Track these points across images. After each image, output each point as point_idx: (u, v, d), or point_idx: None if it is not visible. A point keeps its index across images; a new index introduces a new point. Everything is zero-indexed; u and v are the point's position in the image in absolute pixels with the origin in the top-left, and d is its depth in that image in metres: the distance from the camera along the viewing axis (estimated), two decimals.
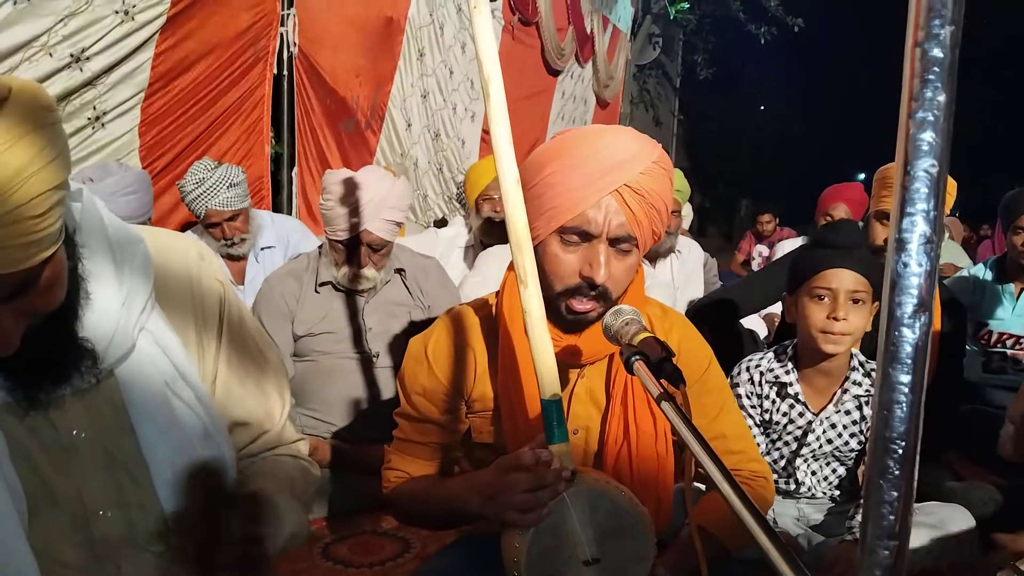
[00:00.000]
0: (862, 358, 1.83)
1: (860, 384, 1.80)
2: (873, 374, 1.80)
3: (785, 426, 1.84)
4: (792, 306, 1.83)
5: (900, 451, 0.48)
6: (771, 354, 1.89)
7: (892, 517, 0.49)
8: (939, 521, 1.77)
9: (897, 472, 0.48)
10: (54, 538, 0.88)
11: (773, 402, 1.85)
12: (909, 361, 0.48)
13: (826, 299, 1.73)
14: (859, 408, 1.81)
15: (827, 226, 1.89)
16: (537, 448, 1.06)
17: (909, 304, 0.48)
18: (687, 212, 4.25)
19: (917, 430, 0.49)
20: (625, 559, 1.09)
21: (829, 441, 1.83)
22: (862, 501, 1.68)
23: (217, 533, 0.87)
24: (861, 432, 1.81)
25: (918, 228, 0.47)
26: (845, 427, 1.81)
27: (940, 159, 0.47)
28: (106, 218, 0.92)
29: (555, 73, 6.66)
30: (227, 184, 2.80)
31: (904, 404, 0.48)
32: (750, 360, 1.90)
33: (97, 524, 0.91)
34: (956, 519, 1.78)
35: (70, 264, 0.84)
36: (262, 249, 3.08)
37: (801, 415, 1.83)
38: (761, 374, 1.86)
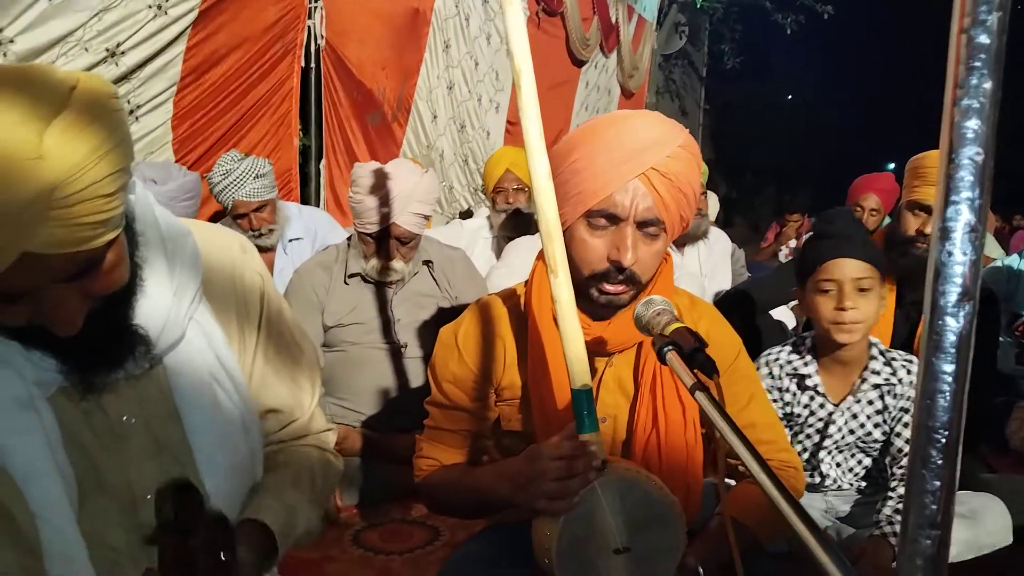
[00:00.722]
0: (882, 347, 1.81)
1: (879, 373, 1.78)
2: (894, 363, 1.78)
3: (806, 419, 1.83)
4: (802, 301, 1.83)
5: (943, 440, 0.48)
6: (789, 347, 1.88)
7: (934, 506, 0.49)
8: (972, 511, 1.75)
9: (940, 461, 0.48)
10: (103, 522, 0.90)
11: (793, 395, 1.84)
12: (953, 350, 0.48)
13: (832, 291, 1.72)
14: (881, 398, 1.79)
15: (823, 217, 1.88)
16: (567, 437, 1.07)
17: (953, 293, 0.48)
18: (713, 202, 4.21)
19: (960, 420, 0.49)
20: (655, 549, 1.10)
21: (851, 431, 1.81)
22: (891, 491, 1.64)
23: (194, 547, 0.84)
24: (884, 422, 1.79)
25: (962, 217, 0.47)
26: (868, 417, 1.80)
27: (985, 147, 0.47)
28: (157, 211, 0.95)
29: (579, 63, 6.63)
30: (253, 175, 2.83)
31: (947, 393, 0.48)
32: (768, 354, 1.89)
33: (145, 509, 0.93)
34: (991, 509, 1.76)
35: (128, 250, 0.86)
36: (290, 241, 3.12)
37: (822, 406, 1.82)
38: (780, 367, 1.85)
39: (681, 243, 3.42)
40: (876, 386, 1.79)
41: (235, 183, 2.81)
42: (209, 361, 0.98)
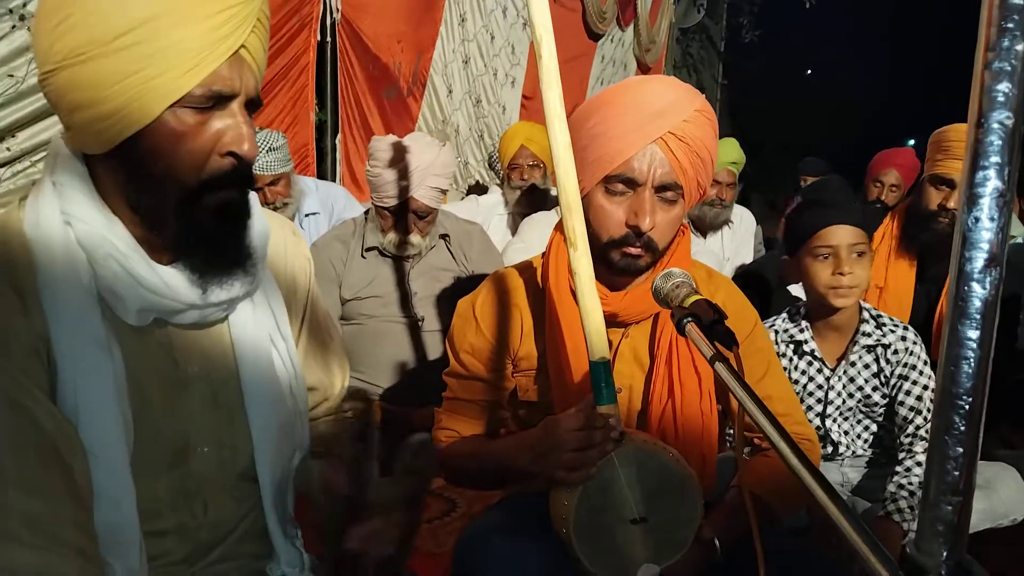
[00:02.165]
0: (874, 311, 1.84)
1: (870, 335, 1.80)
2: (884, 327, 1.80)
3: (805, 385, 1.86)
4: (793, 268, 1.85)
5: (966, 407, 0.48)
6: (785, 314, 1.91)
7: (956, 473, 0.49)
8: (986, 481, 1.76)
9: (963, 428, 0.48)
10: (152, 471, 0.92)
11: (791, 360, 1.87)
12: (978, 316, 0.48)
13: (829, 257, 1.75)
14: (876, 361, 1.81)
15: (815, 186, 1.89)
16: (585, 409, 1.08)
17: (980, 259, 0.47)
18: None
19: (984, 387, 0.48)
20: (672, 519, 1.11)
21: (851, 395, 1.84)
22: (897, 465, 1.64)
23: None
24: (882, 385, 1.81)
25: (991, 182, 0.47)
26: (866, 380, 1.82)
27: (1016, 111, 0.46)
28: None
29: (595, 37, 6.54)
30: (267, 148, 2.83)
31: (972, 360, 0.48)
32: (765, 322, 1.90)
33: (194, 460, 0.96)
34: (1004, 478, 1.77)
35: None
36: (307, 215, 3.12)
37: (819, 371, 1.84)
38: (776, 333, 1.88)
39: (704, 230, 3.39)
40: (869, 348, 1.81)
41: None
42: (269, 323, 1.02)
